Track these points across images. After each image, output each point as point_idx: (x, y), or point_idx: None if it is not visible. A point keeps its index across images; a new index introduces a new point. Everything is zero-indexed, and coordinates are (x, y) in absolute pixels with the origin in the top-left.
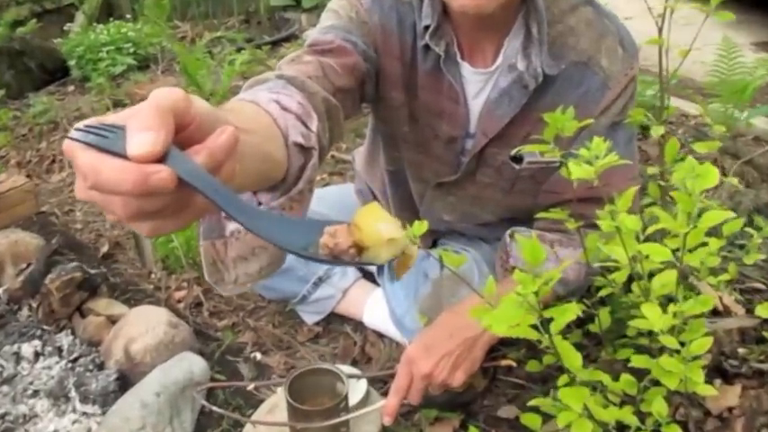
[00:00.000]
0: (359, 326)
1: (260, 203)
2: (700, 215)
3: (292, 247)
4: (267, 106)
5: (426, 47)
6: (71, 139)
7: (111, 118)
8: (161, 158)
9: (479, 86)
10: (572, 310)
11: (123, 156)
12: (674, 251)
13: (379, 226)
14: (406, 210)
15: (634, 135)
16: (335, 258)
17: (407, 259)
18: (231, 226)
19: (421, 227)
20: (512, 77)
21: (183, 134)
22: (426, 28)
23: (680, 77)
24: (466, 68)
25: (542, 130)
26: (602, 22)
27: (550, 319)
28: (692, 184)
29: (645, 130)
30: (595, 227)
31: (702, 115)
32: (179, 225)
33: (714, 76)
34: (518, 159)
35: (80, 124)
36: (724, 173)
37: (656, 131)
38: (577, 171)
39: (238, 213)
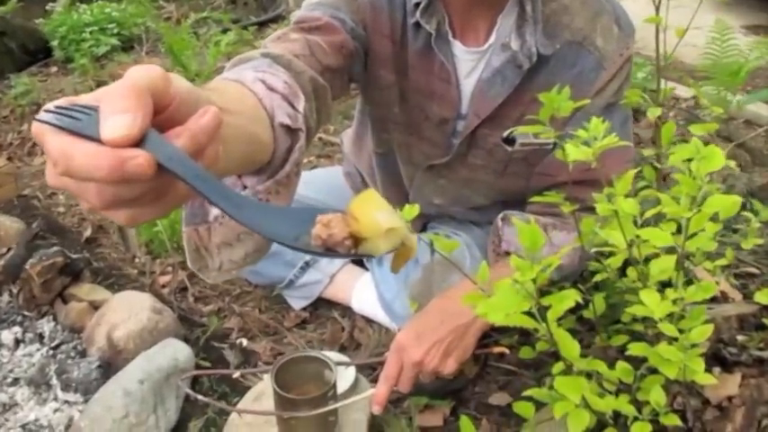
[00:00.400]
0: (347, 311)
1: (245, 187)
2: (702, 199)
3: (282, 238)
4: (252, 86)
5: (417, 25)
6: (40, 121)
7: (84, 98)
8: (138, 142)
9: (471, 66)
10: (570, 297)
11: (97, 140)
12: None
13: (378, 215)
14: (395, 193)
15: (630, 117)
16: (329, 250)
17: (407, 251)
18: (215, 211)
19: (412, 210)
20: (505, 57)
21: (162, 115)
22: (417, 5)
23: (671, 60)
24: (458, 47)
25: (536, 112)
26: (598, 0)
27: (547, 307)
28: (697, 167)
29: (636, 112)
30: (590, 210)
31: (696, 97)
32: (158, 213)
33: (707, 59)
34: (510, 141)
35: (50, 105)
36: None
37: (653, 113)
38: (575, 152)
39: (223, 201)
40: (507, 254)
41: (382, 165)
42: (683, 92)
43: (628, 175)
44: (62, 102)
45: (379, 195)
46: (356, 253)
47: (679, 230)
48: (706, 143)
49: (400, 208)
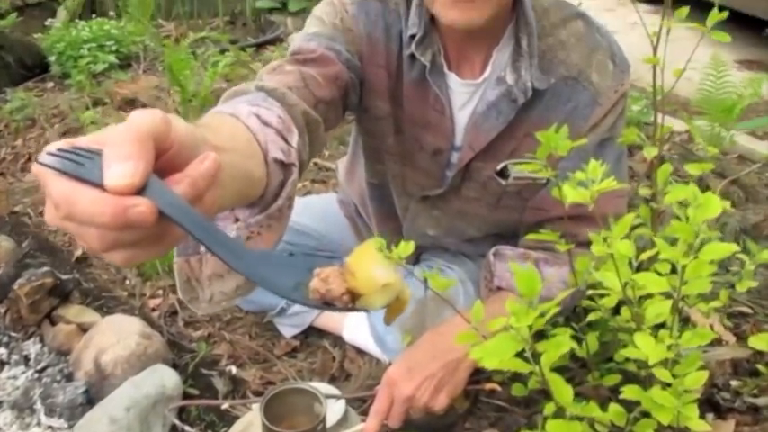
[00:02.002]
0: (338, 341)
1: (237, 220)
2: (698, 245)
3: (280, 290)
4: (247, 120)
5: (412, 56)
6: (43, 164)
7: (86, 141)
8: (140, 190)
9: (466, 98)
10: (564, 344)
11: (100, 185)
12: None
13: (375, 271)
14: (388, 225)
15: (624, 152)
16: (326, 304)
17: (401, 304)
18: None
19: (407, 248)
20: (500, 90)
21: (163, 159)
22: (412, 37)
23: (666, 92)
24: (453, 79)
25: (530, 146)
26: (594, 36)
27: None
28: (694, 214)
29: (631, 145)
30: (583, 245)
31: (689, 132)
32: (156, 254)
33: (701, 94)
34: (504, 175)
35: (51, 147)
36: (710, 192)
37: (649, 153)
38: (572, 195)
39: (221, 250)
40: (500, 289)
41: (375, 196)
42: (678, 125)
43: (626, 218)
44: (64, 144)
45: (375, 249)
46: (353, 308)
47: (674, 270)
48: (700, 179)
49: (395, 243)
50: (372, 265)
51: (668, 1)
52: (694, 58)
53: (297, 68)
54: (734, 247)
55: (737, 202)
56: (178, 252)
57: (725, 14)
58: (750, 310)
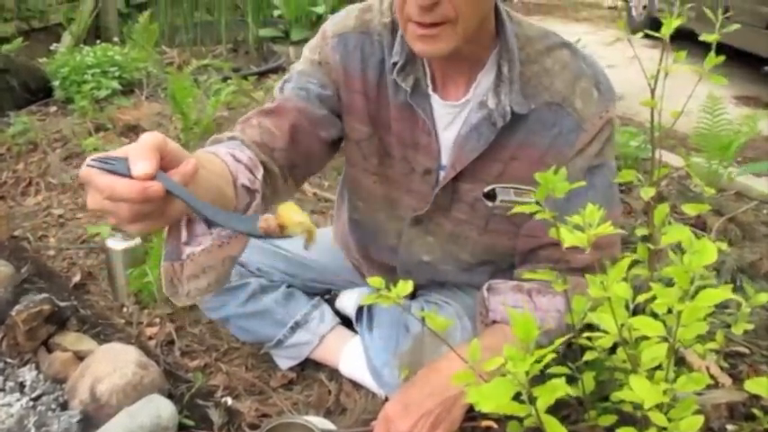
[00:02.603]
0: (334, 374)
1: (211, 233)
2: (694, 291)
3: (243, 230)
4: (224, 157)
5: (396, 82)
6: (91, 166)
7: (115, 153)
8: (152, 178)
9: (450, 119)
10: (559, 389)
11: (128, 176)
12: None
13: (293, 215)
14: (372, 259)
15: (615, 177)
16: (267, 234)
17: (310, 235)
18: (187, 250)
19: (405, 287)
20: (482, 114)
21: (161, 163)
22: (395, 64)
23: (662, 129)
24: (436, 101)
25: (516, 170)
26: (579, 64)
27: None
28: (690, 260)
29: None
30: (577, 271)
31: (686, 167)
32: (162, 224)
33: (698, 133)
34: (492, 197)
35: (93, 157)
36: (707, 229)
37: (646, 193)
38: (570, 239)
39: (205, 210)
40: (495, 322)
41: (355, 230)
42: (676, 161)
43: (622, 263)
44: (101, 155)
45: (293, 203)
46: (281, 235)
47: (671, 309)
48: (698, 216)
49: (393, 283)
50: (291, 211)
51: (667, 43)
52: (695, 92)
53: (258, 122)
54: (729, 294)
55: (735, 240)
56: (165, 258)
57: (722, 58)
58: (747, 351)
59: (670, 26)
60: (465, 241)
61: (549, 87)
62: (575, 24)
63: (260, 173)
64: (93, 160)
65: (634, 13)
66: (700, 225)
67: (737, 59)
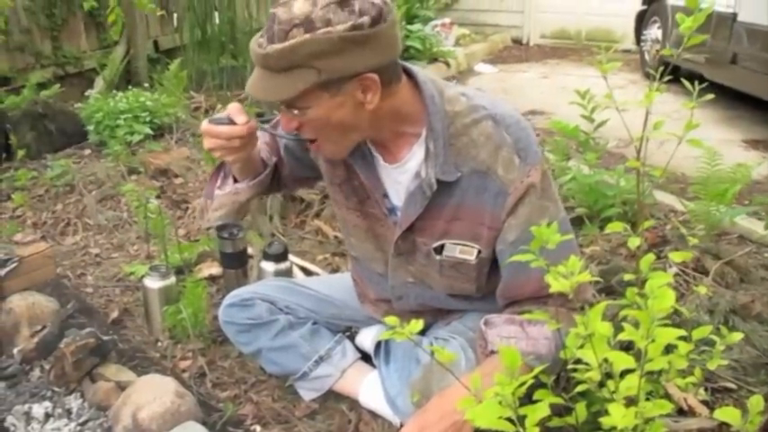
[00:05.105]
0: (354, 404)
1: (231, 184)
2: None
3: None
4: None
5: None
6: (210, 123)
7: (219, 115)
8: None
9: (395, 176)
10: (542, 409)
11: (233, 124)
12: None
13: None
14: (374, 292)
15: (569, 232)
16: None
17: None
18: (216, 192)
19: (416, 325)
20: (416, 183)
21: None
22: None
23: (669, 173)
24: (379, 162)
25: (459, 228)
26: (501, 134)
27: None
28: (651, 304)
29: (633, 226)
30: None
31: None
32: (245, 156)
33: (696, 182)
34: (440, 251)
35: (208, 118)
36: (705, 272)
37: (633, 243)
38: (556, 285)
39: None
40: (492, 352)
41: (356, 267)
42: (680, 205)
43: (600, 305)
44: (212, 117)
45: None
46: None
47: None
48: (696, 260)
49: (407, 321)
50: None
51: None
52: (705, 135)
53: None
54: (680, 332)
55: (731, 283)
56: (204, 196)
57: (711, 96)
58: (734, 386)
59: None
60: (432, 279)
61: (475, 157)
62: (588, 68)
63: (275, 158)
64: (208, 121)
65: (647, 57)
66: (699, 268)
67: (746, 104)
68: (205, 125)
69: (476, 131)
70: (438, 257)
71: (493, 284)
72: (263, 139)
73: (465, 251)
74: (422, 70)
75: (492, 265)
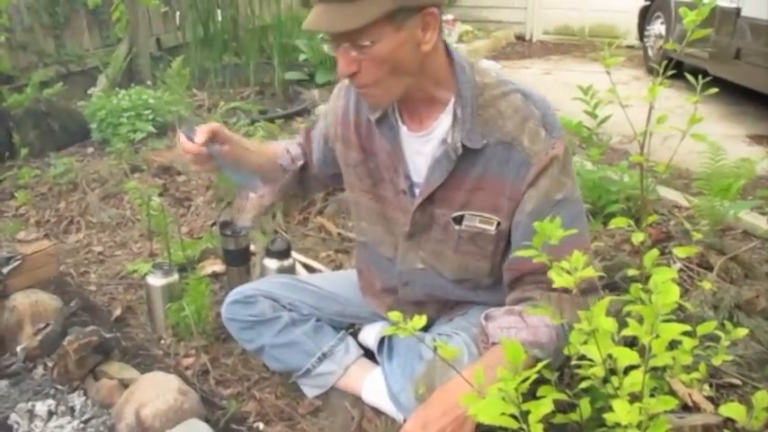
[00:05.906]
0: (357, 401)
1: (258, 190)
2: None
3: (236, 180)
4: (277, 146)
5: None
6: (181, 126)
7: (195, 127)
8: (204, 144)
9: (417, 147)
10: (545, 405)
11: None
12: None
13: None
14: (377, 282)
15: (581, 212)
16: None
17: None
18: (250, 195)
19: (420, 321)
20: (442, 149)
21: (215, 139)
22: None
23: (673, 168)
24: (403, 131)
25: (480, 199)
26: (529, 107)
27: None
28: (656, 300)
29: (637, 221)
30: (557, 289)
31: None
32: (207, 170)
33: (699, 177)
34: (459, 221)
35: (183, 126)
36: (710, 268)
37: (637, 238)
38: (559, 281)
39: (224, 168)
40: (494, 344)
41: (363, 255)
42: (685, 201)
43: (604, 300)
44: (187, 126)
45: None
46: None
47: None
48: (701, 255)
49: (410, 316)
50: None
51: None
52: (709, 131)
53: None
54: (684, 327)
55: (736, 278)
56: (239, 198)
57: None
58: (739, 382)
59: None
60: (444, 259)
61: (501, 128)
62: (591, 64)
63: (300, 162)
64: (181, 129)
65: (650, 52)
66: (703, 264)
67: (750, 99)
68: (178, 134)
69: (504, 103)
70: (457, 228)
71: (501, 270)
72: (297, 140)
73: (485, 221)
74: None
75: (506, 247)
